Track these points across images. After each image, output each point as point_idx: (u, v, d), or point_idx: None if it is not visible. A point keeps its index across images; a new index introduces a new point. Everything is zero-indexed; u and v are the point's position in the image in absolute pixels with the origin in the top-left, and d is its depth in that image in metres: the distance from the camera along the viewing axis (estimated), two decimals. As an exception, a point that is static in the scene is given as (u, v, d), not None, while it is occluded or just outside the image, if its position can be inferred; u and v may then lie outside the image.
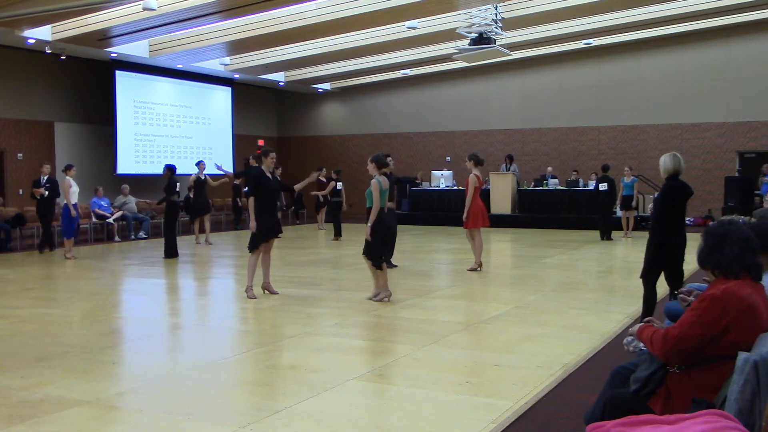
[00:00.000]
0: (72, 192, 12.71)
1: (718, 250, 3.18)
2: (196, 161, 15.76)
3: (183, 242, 14.98)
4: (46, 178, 13.84)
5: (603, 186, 15.96)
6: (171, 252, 12.77)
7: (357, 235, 17.67)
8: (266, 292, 8.65)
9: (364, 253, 8.19)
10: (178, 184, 12.99)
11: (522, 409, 4.45)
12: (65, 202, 12.79)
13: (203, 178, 15.15)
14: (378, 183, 8.05)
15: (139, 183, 19.27)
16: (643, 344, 3.39)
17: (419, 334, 6.76)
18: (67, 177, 12.79)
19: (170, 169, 12.95)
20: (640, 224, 18.01)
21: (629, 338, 3.63)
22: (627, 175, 16.25)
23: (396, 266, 11.07)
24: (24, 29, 14.74)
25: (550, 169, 20.60)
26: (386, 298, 8.18)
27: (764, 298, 3.16)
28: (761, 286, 3.18)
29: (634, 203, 16.24)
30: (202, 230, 15.56)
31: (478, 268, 10.75)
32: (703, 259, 3.25)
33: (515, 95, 22.45)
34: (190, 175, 20.66)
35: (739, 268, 3.12)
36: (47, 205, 13.88)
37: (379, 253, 8.13)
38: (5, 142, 17.24)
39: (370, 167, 8.18)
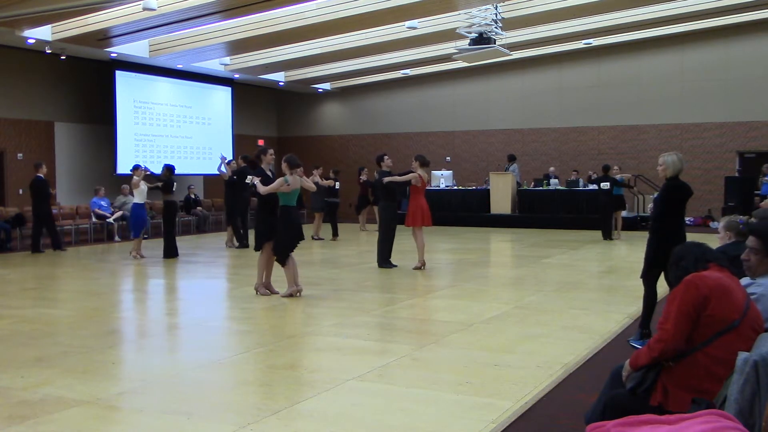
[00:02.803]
0: (141, 191, 12.80)
1: (679, 264, 3.42)
2: (227, 160, 15.02)
3: (185, 242, 14.97)
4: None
5: (605, 185, 15.89)
6: (171, 252, 12.77)
7: (357, 236, 17.72)
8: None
9: (272, 249, 8.44)
10: (175, 184, 13.00)
11: (522, 409, 4.45)
12: (134, 201, 12.92)
13: (236, 178, 14.39)
14: (286, 182, 8.29)
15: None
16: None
17: (419, 334, 6.77)
18: (135, 177, 12.83)
19: (169, 169, 12.99)
20: (640, 224, 18.03)
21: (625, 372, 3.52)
22: (613, 174, 16.16)
23: (396, 266, 11.07)
24: (24, 29, 14.74)
25: (552, 169, 20.57)
26: (297, 294, 8.41)
27: (736, 282, 3.29)
28: (732, 275, 3.32)
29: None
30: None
31: (422, 267, 10.85)
32: (675, 283, 3.43)
33: (515, 95, 22.44)
34: (190, 175, 20.80)
35: (705, 262, 3.33)
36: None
37: (285, 250, 8.30)
38: (5, 142, 17.24)
39: (283, 166, 8.43)
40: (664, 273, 6.30)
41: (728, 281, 3.23)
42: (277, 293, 8.60)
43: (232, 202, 14.56)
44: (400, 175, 11.81)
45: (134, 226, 13.00)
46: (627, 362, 3.40)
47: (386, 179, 11.02)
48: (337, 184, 17.11)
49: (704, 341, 3.12)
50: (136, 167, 13.17)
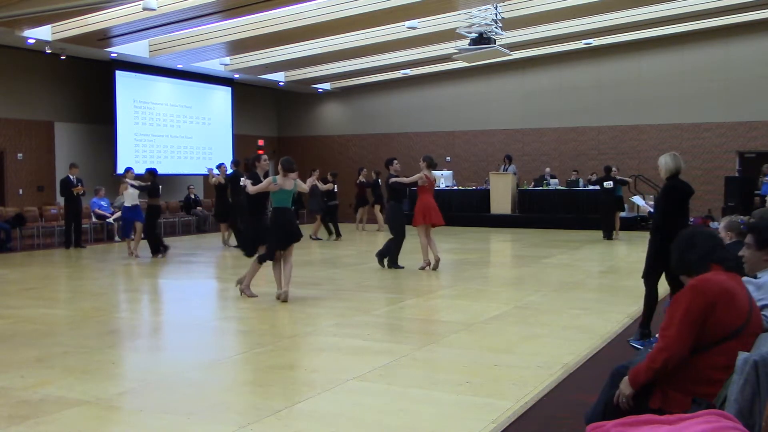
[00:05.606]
0: (129, 194, 12.98)
1: (687, 251, 3.30)
2: (217, 164, 15.01)
3: (185, 243, 14.96)
4: (75, 177, 14.62)
5: (608, 184, 15.86)
6: (157, 248, 12.91)
7: (354, 235, 17.72)
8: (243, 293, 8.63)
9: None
10: (160, 187, 13.06)
11: (522, 409, 4.45)
12: (124, 204, 13.00)
13: (224, 182, 14.40)
14: (273, 181, 8.36)
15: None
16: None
17: (419, 334, 6.77)
18: (126, 180, 13.08)
19: (152, 173, 13.15)
20: (639, 224, 18.03)
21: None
22: (613, 175, 16.13)
23: (402, 267, 11.08)
24: (24, 29, 14.74)
25: (548, 169, 20.58)
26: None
27: (741, 285, 3.22)
28: (737, 276, 3.25)
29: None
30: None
31: (427, 267, 10.88)
32: (676, 265, 3.38)
33: (515, 95, 22.44)
34: (190, 175, 20.78)
35: (708, 263, 3.23)
36: (79, 204, 14.79)
37: (270, 250, 8.32)
38: (5, 142, 17.24)
39: (279, 168, 8.49)
40: (666, 273, 6.32)
41: (733, 284, 3.14)
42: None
43: (221, 205, 14.67)
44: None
45: (123, 228, 13.10)
46: (625, 381, 3.22)
47: (392, 180, 11.09)
48: (335, 186, 17.11)
49: (706, 346, 3.05)
50: (127, 170, 13.33)
